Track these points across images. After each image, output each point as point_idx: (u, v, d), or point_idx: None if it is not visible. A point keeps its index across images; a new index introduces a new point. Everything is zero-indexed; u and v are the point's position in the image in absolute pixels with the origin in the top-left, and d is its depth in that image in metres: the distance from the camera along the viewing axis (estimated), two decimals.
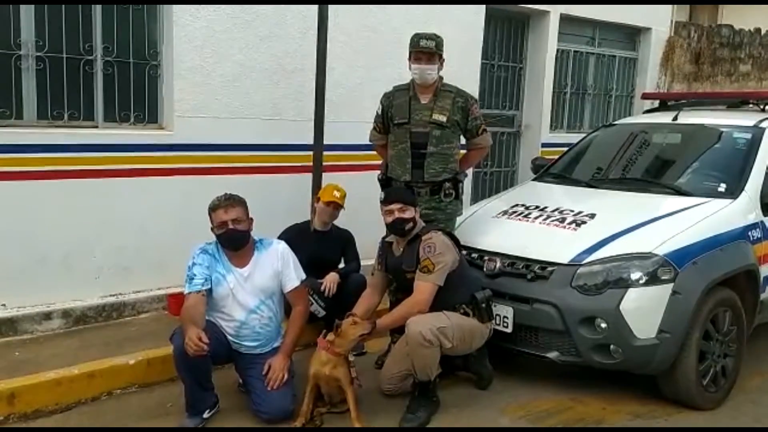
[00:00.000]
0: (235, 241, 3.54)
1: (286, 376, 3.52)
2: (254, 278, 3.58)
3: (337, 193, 4.48)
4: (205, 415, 3.49)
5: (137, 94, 4.75)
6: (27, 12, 4.27)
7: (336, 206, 4.47)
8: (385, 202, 3.82)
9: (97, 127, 4.62)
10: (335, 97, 5.30)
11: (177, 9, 4.69)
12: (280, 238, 4.17)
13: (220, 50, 4.91)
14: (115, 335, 4.33)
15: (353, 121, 5.41)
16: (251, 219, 3.60)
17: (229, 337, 3.60)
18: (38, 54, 4.33)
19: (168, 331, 3.56)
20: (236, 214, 3.50)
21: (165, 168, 4.77)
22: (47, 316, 4.36)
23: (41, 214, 4.33)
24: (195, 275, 3.48)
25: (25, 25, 4.27)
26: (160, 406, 3.68)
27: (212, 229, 3.55)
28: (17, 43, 4.26)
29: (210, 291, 3.51)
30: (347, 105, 5.54)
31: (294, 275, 3.68)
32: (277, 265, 3.63)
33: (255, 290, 3.57)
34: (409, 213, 3.73)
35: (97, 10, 4.51)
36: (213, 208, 3.53)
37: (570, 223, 4.09)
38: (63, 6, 4.38)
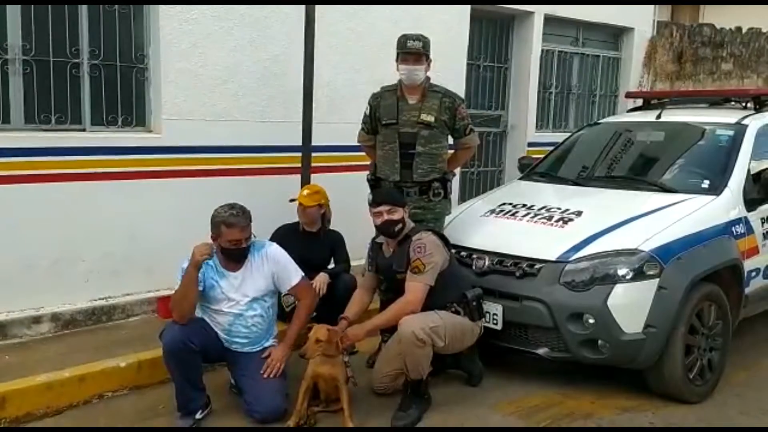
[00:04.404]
0: (242, 258, 3.58)
1: (282, 367, 3.53)
2: (247, 281, 3.60)
3: (305, 192, 4.51)
4: (198, 416, 3.50)
5: (124, 97, 4.75)
6: (13, 16, 4.26)
7: (304, 207, 4.46)
8: (373, 203, 3.83)
9: (84, 130, 4.60)
10: (323, 98, 5.31)
11: (163, 12, 4.69)
12: (270, 239, 4.19)
13: (207, 53, 4.91)
14: (104, 338, 4.32)
15: (341, 122, 5.43)
16: None
17: (220, 334, 3.62)
18: (25, 58, 4.32)
19: (158, 333, 3.56)
20: (249, 232, 3.54)
21: (153, 171, 4.76)
22: (36, 320, 4.34)
23: (29, 217, 4.31)
24: None
25: (11, 29, 4.26)
26: (152, 409, 3.68)
27: (215, 238, 3.52)
28: (3, 47, 4.24)
29: (202, 293, 3.53)
30: (335, 106, 5.56)
31: (291, 274, 3.71)
32: (270, 267, 3.66)
33: (247, 291, 3.60)
34: (398, 214, 3.74)
35: (84, 13, 4.50)
36: (228, 224, 3.47)
37: (557, 221, 4.14)
38: (49, 9, 4.37)
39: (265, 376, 3.52)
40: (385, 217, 3.73)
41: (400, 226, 3.76)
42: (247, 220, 3.53)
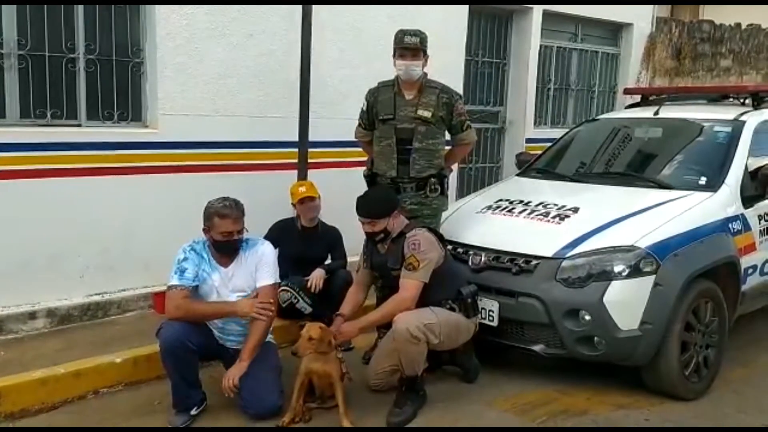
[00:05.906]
0: (234, 250, 3.57)
1: (236, 384, 3.40)
2: (237, 277, 3.59)
3: (302, 188, 4.53)
4: (193, 412, 3.50)
5: (120, 92, 4.73)
6: (9, 11, 4.24)
7: (309, 199, 4.49)
8: (357, 212, 3.81)
9: (80, 125, 4.59)
10: (320, 94, 5.29)
11: (159, 7, 4.67)
12: (266, 236, 4.19)
13: (204, 48, 4.89)
14: (100, 334, 4.31)
15: (338, 117, 5.42)
16: None
17: (215, 332, 3.62)
18: (20, 53, 4.30)
19: (154, 329, 3.55)
20: (242, 225, 3.53)
21: (149, 166, 4.75)
22: (32, 315, 4.34)
23: (25, 213, 4.30)
24: (186, 269, 3.49)
25: (7, 24, 4.24)
26: (147, 404, 3.68)
27: (207, 230, 3.52)
28: None
29: (195, 288, 3.53)
30: (332, 102, 5.54)
31: (266, 273, 3.61)
32: (256, 260, 3.63)
33: (238, 288, 3.59)
34: (380, 226, 3.72)
35: (79, 8, 4.48)
36: (221, 216, 3.45)
37: (554, 217, 4.13)
38: (45, 5, 4.35)
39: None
40: (367, 228, 3.75)
41: (382, 236, 3.76)
42: (240, 213, 3.52)
